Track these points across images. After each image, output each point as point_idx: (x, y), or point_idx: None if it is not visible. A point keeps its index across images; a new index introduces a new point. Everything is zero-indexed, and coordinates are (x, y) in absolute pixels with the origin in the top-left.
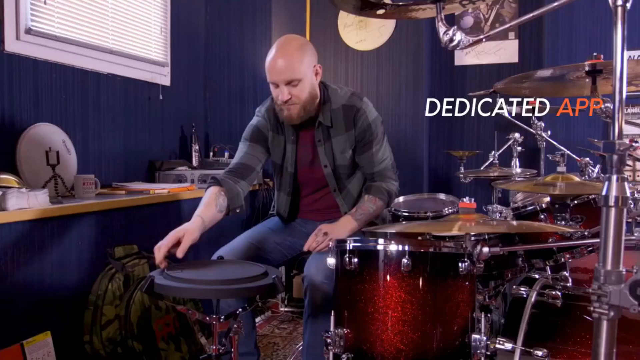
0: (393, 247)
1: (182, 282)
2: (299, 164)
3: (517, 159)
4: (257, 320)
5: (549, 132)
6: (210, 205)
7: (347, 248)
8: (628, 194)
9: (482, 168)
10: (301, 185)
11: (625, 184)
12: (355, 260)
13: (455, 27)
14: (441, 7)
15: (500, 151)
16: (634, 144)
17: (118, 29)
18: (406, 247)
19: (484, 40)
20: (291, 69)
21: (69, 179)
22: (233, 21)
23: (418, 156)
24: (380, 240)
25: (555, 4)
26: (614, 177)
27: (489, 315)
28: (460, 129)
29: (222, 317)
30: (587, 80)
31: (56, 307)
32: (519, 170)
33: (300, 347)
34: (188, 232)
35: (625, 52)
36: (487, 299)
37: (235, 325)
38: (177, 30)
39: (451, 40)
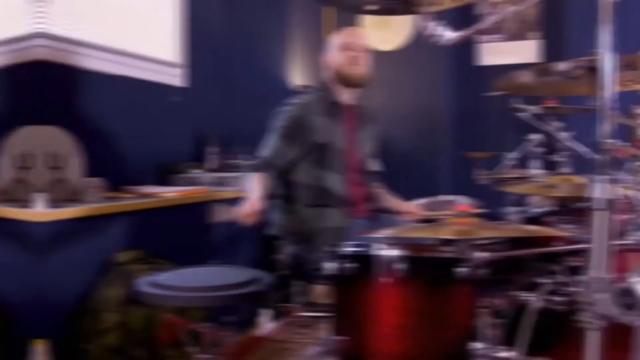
0: (390, 253)
1: (165, 290)
2: (346, 142)
3: (536, 161)
4: (272, 325)
5: (571, 133)
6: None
7: (344, 253)
8: (617, 197)
9: (499, 170)
10: (346, 165)
11: (614, 185)
12: (353, 265)
13: (444, 21)
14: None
15: (519, 153)
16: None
17: (129, 30)
18: (403, 253)
19: (472, 35)
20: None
21: (74, 183)
22: (252, 22)
23: (437, 158)
24: (378, 246)
25: None
26: (602, 179)
27: (496, 322)
28: (480, 129)
29: (211, 325)
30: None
31: (54, 314)
32: (536, 172)
33: (312, 353)
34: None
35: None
36: (495, 305)
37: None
38: (192, 31)
39: (438, 35)
